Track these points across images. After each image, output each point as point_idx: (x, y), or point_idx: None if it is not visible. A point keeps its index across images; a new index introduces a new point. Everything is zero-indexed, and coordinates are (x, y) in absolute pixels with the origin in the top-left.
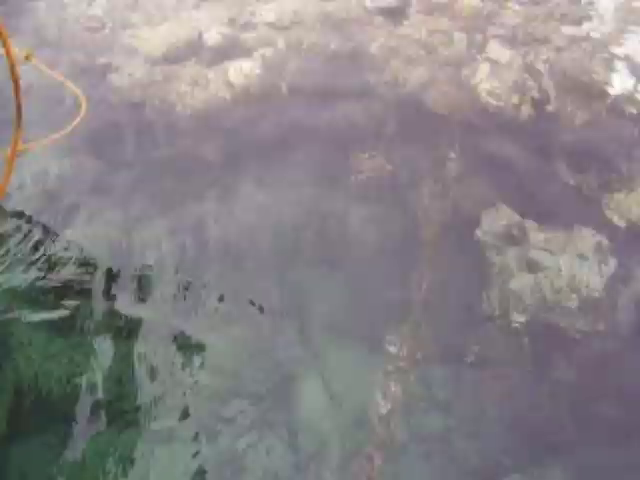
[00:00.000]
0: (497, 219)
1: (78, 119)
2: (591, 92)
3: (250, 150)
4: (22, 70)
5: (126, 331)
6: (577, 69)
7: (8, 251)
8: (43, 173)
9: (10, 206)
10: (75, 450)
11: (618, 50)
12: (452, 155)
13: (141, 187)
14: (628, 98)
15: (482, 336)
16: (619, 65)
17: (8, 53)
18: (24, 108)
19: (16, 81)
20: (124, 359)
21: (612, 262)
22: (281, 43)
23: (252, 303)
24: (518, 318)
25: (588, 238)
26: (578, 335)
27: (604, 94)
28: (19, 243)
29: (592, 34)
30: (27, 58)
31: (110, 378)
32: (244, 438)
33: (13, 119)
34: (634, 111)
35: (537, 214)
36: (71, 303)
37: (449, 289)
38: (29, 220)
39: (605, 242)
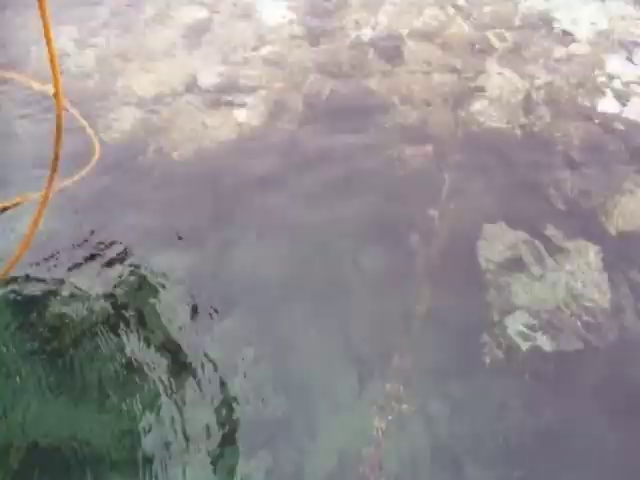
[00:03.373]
0: (497, 237)
1: (90, 166)
2: (583, 112)
3: (252, 191)
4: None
5: (133, 365)
6: (569, 90)
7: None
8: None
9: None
10: None
11: (604, 71)
12: (452, 177)
13: (140, 234)
14: (618, 116)
15: (485, 354)
16: (607, 85)
17: (58, 102)
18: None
19: (59, 129)
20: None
21: (613, 275)
22: (278, 84)
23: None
24: (522, 335)
25: (589, 252)
26: (583, 349)
27: (595, 113)
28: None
29: (580, 56)
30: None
31: (122, 424)
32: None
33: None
34: (624, 128)
35: (537, 231)
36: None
37: (451, 309)
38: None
39: (605, 255)
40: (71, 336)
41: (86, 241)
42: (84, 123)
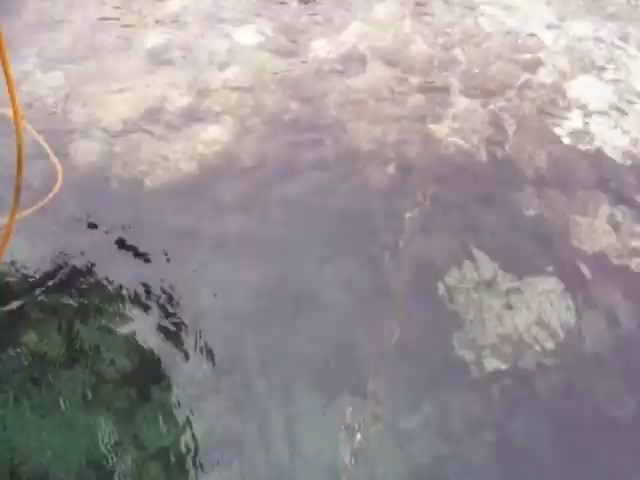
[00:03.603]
0: (465, 267)
1: (52, 195)
2: (547, 134)
3: (219, 221)
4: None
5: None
6: (533, 112)
7: None
8: None
9: None
10: None
11: (570, 94)
12: (418, 207)
13: (104, 266)
14: (583, 139)
15: (455, 383)
16: (573, 108)
17: (18, 132)
18: None
19: (20, 158)
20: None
21: (578, 299)
22: (242, 109)
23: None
24: (490, 362)
25: (550, 278)
26: (550, 373)
27: (559, 136)
28: None
29: (545, 80)
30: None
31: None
32: None
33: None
34: (590, 152)
35: (503, 259)
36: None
37: (419, 339)
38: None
39: (567, 280)
40: (40, 358)
41: (48, 270)
42: (48, 150)
